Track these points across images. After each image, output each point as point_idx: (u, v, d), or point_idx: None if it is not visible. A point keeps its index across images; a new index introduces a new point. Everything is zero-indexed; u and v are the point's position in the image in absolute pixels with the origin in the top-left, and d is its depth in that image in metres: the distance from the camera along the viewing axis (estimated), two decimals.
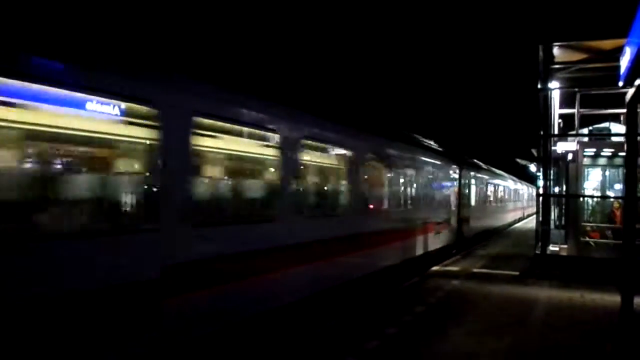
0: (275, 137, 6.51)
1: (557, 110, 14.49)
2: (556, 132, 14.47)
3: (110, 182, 4.67)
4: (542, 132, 13.10)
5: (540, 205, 13.30)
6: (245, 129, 6.24)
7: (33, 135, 4.00)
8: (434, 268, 13.01)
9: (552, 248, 13.22)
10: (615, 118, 15.17)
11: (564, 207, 15.86)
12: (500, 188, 26.95)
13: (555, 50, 12.93)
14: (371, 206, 9.73)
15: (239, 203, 6.41)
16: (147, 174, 4.95)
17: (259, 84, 6.98)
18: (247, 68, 7.44)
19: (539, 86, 13.08)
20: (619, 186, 14.65)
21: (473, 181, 18.62)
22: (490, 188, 23.63)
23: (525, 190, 42.39)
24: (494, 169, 27.39)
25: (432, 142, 15.85)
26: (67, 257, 3.85)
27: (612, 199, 14.50)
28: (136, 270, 4.39)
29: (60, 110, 4.12)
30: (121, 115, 4.52)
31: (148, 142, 4.74)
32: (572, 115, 14.23)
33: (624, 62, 6.87)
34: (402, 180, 11.54)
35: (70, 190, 4.25)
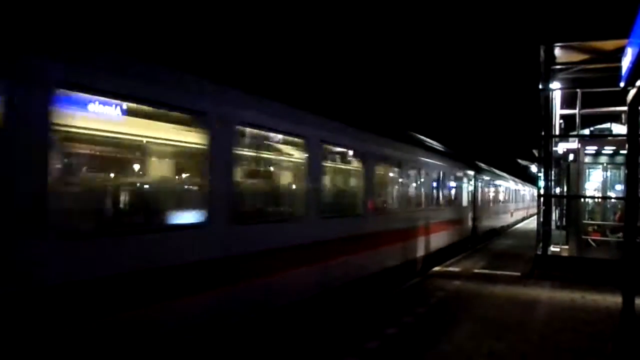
0: None
1: (558, 111, 14.49)
2: (557, 132, 14.46)
3: None
4: (543, 133, 13.09)
5: (542, 206, 13.30)
6: None
7: None
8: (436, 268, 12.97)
9: (553, 249, 13.22)
10: (616, 118, 15.16)
11: (564, 207, 15.87)
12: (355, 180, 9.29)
13: (557, 51, 12.93)
14: None
15: None
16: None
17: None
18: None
19: (540, 87, 13.07)
20: (620, 187, 14.67)
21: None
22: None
23: (471, 183, 18.79)
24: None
25: None
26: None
27: (613, 200, 14.52)
28: None
29: None
30: None
31: None
32: (574, 115, 14.22)
33: (626, 62, 6.86)
34: None
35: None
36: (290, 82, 8.64)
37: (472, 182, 18.64)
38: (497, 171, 27.28)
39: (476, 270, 12.91)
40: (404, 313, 8.10)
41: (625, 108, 9.18)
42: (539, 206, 13.49)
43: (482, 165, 22.51)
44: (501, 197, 27.95)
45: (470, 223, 18.24)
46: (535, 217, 15.70)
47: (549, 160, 13.37)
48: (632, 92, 7.01)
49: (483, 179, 21.21)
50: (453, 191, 15.92)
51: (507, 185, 30.46)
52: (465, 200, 17.53)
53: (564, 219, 16.14)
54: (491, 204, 24.01)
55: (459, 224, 16.41)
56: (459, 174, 16.69)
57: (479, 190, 20.12)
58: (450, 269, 13.15)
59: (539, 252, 12.64)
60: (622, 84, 7.24)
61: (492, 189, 24.31)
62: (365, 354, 6.11)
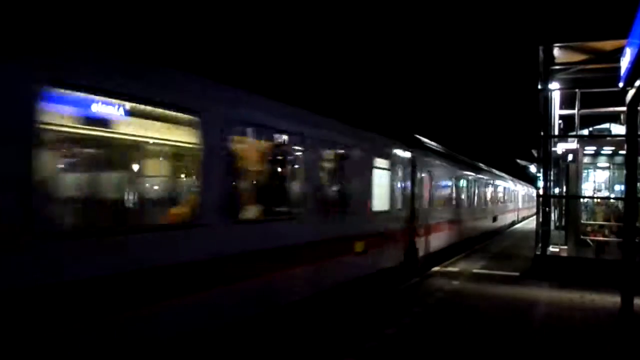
0: None
1: (557, 111, 14.50)
2: (556, 132, 14.48)
3: None
4: (542, 133, 13.11)
5: (541, 206, 13.32)
6: None
7: None
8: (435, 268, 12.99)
9: (552, 249, 13.23)
10: (615, 118, 15.18)
11: (563, 207, 15.88)
12: None
13: (556, 51, 12.94)
14: None
15: None
16: None
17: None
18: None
19: (539, 87, 13.08)
20: (618, 187, 14.69)
21: None
22: None
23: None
24: None
25: None
26: None
27: (612, 200, 14.54)
28: None
29: None
30: None
31: None
32: (573, 116, 14.24)
33: (624, 63, 6.88)
34: None
35: None
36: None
37: (407, 171, 11.37)
38: (462, 157, 19.81)
39: (475, 271, 12.92)
40: (404, 314, 8.08)
41: (624, 108, 9.20)
42: (538, 206, 13.50)
43: (432, 143, 15.12)
44: (476, 195, 20.30)
45: (401, 239, 11.00)
46: (529, 220, 14.85)
47: (548, 161, 13.38)
48: (631, 92, 7.02)
49: (432, 166, 13.74)
50: (350, 186, 8.74)
51: (486, 180, 22.84)
52: (388, 202, 10.30)
53: (563, 220, 16.15)
54: (453, 206, 16.39)
55: (364, 246, 8.95)
56: (370, 155, 9.51)
57: (425, 183, 13.01)
58: (449, 269, 13.16)
59: (538, 253, 12.66)
60: (621, 84, 7.25)
61: (455, 183, 16.65)
62: (364, 354, 6.12)
